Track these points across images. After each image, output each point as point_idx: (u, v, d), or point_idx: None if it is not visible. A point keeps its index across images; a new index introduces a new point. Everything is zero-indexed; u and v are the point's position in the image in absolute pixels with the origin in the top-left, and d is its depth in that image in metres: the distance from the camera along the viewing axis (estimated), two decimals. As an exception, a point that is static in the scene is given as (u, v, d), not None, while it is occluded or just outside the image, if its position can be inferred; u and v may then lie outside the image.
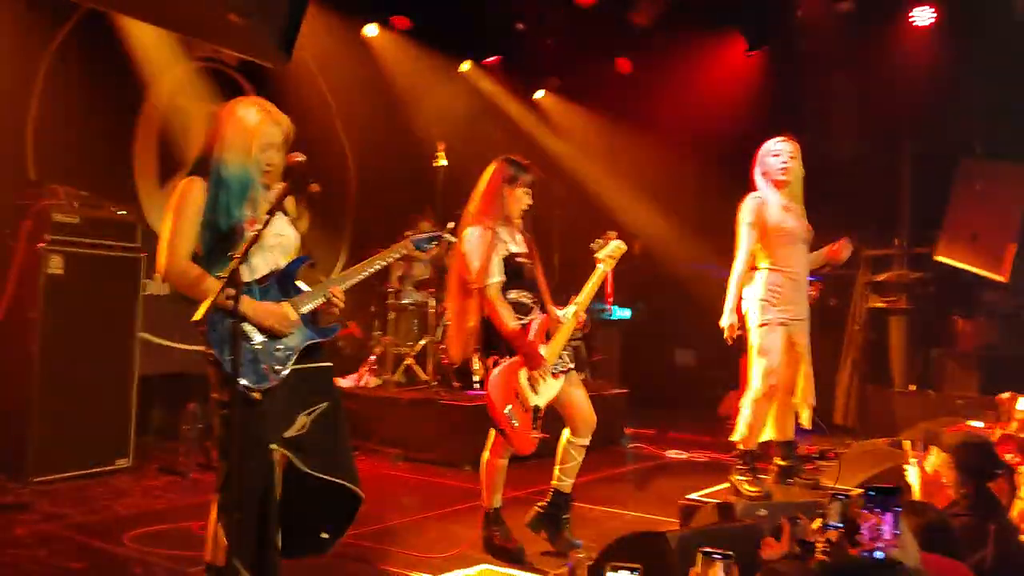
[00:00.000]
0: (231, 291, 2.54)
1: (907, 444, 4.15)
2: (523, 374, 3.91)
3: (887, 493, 2.30)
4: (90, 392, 5.23)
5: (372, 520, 4.62)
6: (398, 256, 3.32)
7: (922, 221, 8.01)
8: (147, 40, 6.50)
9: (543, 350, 3.97)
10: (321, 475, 2.95)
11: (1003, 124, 7.15)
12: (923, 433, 3.75)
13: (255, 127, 2.92)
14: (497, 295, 3.92)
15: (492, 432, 4.01)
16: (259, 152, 2.92)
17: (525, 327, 3.96)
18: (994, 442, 3.81)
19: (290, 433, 2.88)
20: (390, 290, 7.40)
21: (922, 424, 5.97)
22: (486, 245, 3.92)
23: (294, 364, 2.91)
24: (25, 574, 3.54)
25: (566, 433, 4.16)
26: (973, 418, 5.54)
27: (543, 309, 4.09)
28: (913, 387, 7.67)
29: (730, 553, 2.10)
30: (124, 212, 5.55)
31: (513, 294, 4.00)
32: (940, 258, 7.64)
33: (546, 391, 3.98)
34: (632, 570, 2.16)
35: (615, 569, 2.18)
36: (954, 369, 7.65)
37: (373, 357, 7.32)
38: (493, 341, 3.95)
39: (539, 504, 4.18)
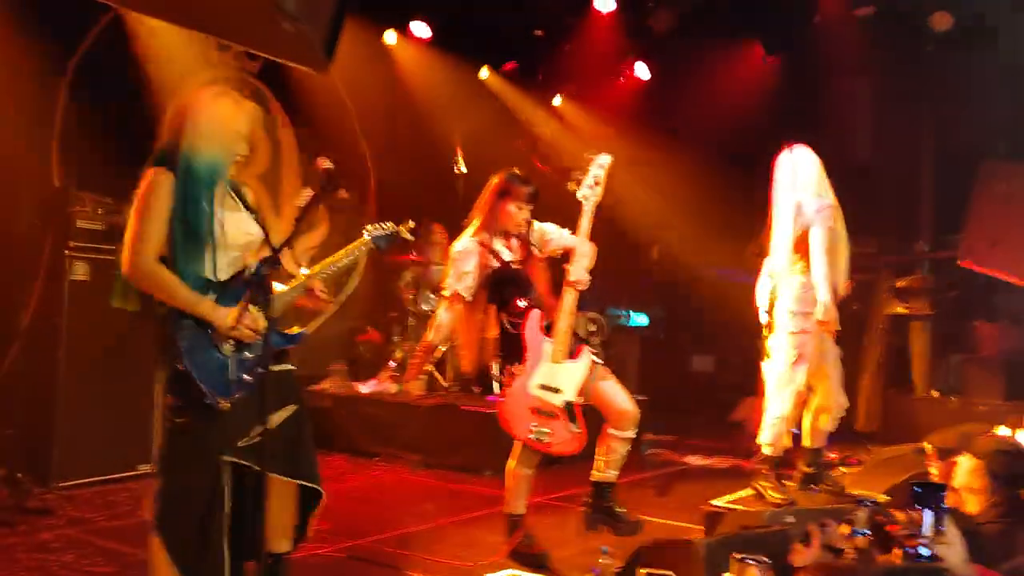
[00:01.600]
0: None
1: (928, 447, 4.13)
2: (532, 385, 3.83)
3: (932, 489, 2.27)
4: (113, 398, 5.25)
5: (393, 526, 4.63)
6: (355, 254, 3.24)
7: (944, 225, 7.95)
8: (170, 49, 6.55)
9: (546, 342, 3.88)
10: (288, 478, 2.89)
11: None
12: (956, 438, 3.71)
13: (229, 117, 2.84)
14: (450, 309, 3.93)
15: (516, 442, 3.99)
16: (232, 143, 2.84)
17: (522, 321, 3.91)
18: None
19: (248, 439, 2.77)
20: (409, 296, 7.41)
21: (948, 429, 5.91)
22: (468, 256, 3.94)
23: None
24: (53, 579, 3.56)
25: (607, 427, 4.05)
26: (997, 424, 5.49)
27: (540, 306, 4.01)
28: (935, 393, 7.60)
29: (765, 559, 2.09)
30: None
31: (521, 303, 3.95)
32: (963, 263, 7.57)
33: (567, 381, 3.84)
34: (664, 576, 2.15)
35: None
36: (977, 375, 7.57)
37: (393, 363, 7.32)
38: (511, 351, 3.92)
39: (584, 502, 4.13)
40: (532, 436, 3.78)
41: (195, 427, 2.74)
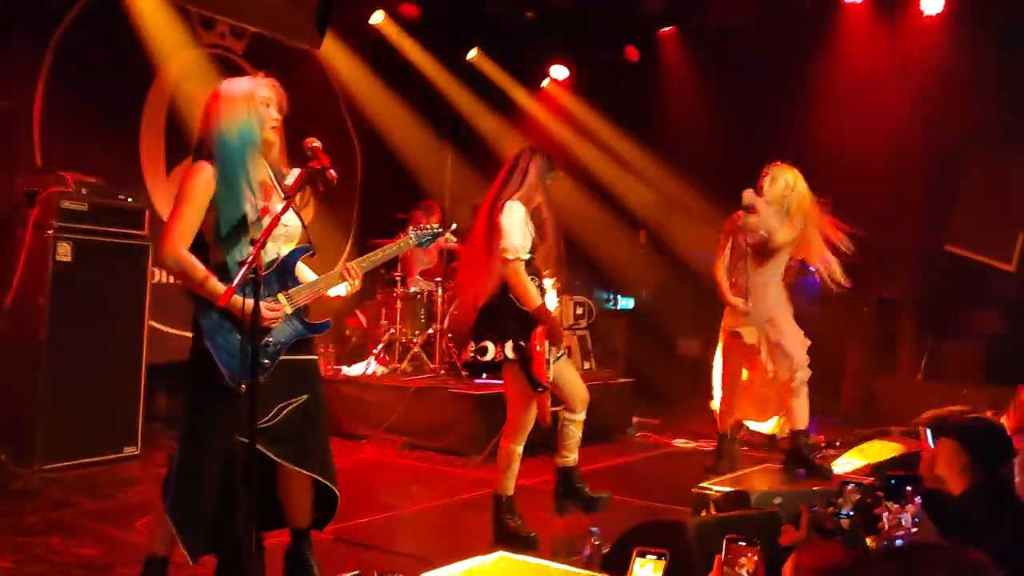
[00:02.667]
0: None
1: (924, 432, 4.13)
2: (547, 345, 3.95)
3: (907, 482, 2.28)
4: (98, 380, 5.22)
5: (380, 508, 4.63)
6: (400, 251, 3.35)
7: (932, 210, 7.98)
8: (155, 26, 6.47)
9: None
10: (292, 465, 2.94)
11: (1016, 112, 7.12)
12: (929, 421, 3.72)
13: (247, 90, 2.89)
14: (523, 270, 3.93)
15: (509, 415, 4.05)
16: (260, 107, 2.88)
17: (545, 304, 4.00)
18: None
19: (263, 423, 2.83)
20: (396, 278, 7.39)
21: (929, 412, 5.96)
22: (524, 223, 3.95)
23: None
24: (40, 560, 3.54)
25: (562, 412, 4.24)
26: (980, 408, 5.53)
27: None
28: (919, 376, 7.66)
29: (755, 540, 2.09)
30: (131, 199, 5.52)
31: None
32: (950, 248, 7.62)
33: (554, 368, 4.07)
34: (659, 555, 2.15)
35: (643, 555, 2.18)
36: (961, 359, 7.64)
37: (380, 346, 7.31)
38: (509, 324, 3.93)
39: (554, 490, 4.27)
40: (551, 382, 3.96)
41: (212, 406, 2.80)
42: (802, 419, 4.89)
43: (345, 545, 3.87)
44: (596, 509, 4.19)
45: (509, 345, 3.89)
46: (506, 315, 3.93)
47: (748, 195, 4.88)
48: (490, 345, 3.95)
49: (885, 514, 2.50)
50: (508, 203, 3.94)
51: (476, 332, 3.98)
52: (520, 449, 4.06)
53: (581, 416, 4.22)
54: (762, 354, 5.00)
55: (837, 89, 8.05)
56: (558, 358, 4.11)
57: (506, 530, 4.03)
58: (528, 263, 4.02)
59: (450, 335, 7.05)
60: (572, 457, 4.23)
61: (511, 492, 4.08)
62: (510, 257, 3.91)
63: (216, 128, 2.83)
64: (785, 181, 4.97)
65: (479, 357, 3.95)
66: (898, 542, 2.38)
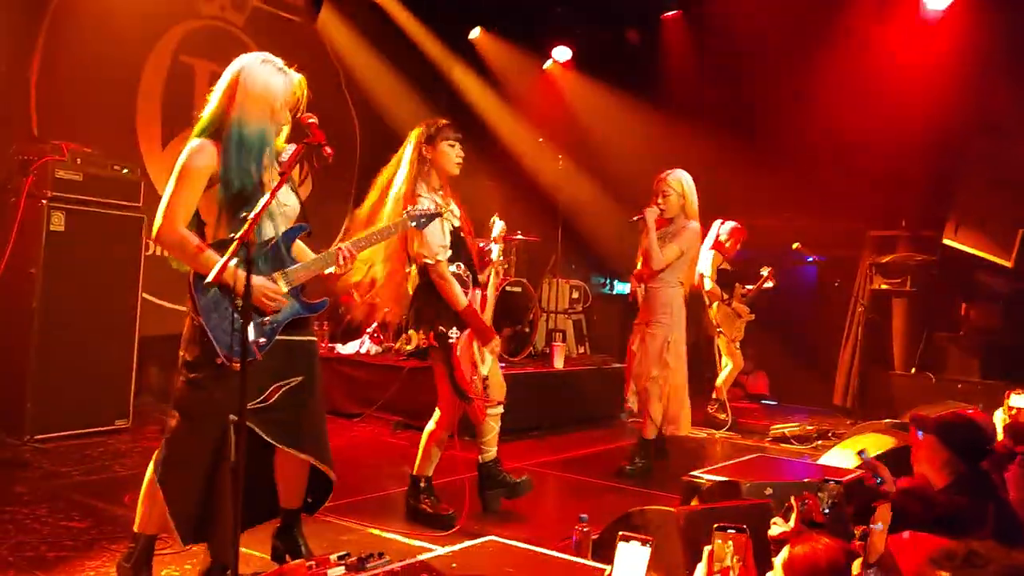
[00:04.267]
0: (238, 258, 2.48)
1: (912, 427, 4.13)
2: (475, 345, 3.99)
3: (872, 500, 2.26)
4: (90, 351, 5.20)
5: (372, 487, 4.63)
6: (395, 232, 3.33)
7: (930, 203, 7.95)
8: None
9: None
10: (285, 447, 2.93)
11: (1018, 105, 7.07)
12: (910, 418, 3.72)
13: (278, 88, 2.84)
14: (447, 272, 3.87)
15: (440, 403, 4.07)
16: (280, 110, 2.86)
17: (472, 305, 3.96)
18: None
19: (257, 403, 2.83)
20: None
21: (922, 407, 5.98)
22: (437, 220, 3.83)
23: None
24: (27, 531, 3.52)
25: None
26: (973, 403, 5.54)
27: (475, 282, 4.08)
28: (913, 370, 7.67)
29: (744, 527, 2.08)
30: (127, 170, 5.47)
31: (455, 268, 3.94)
32: (948, 241, 7.59)
33: (487, 361, 4.09)
34: (644, 542, 2.14)
35: (626, 540, 2.16)
36: (955, 353, 7.64)
37: (375, 325, 7.29)
38: (442, 314, 3.90)
39: (478, 488, 4.27)
40: (474, 382, 3.95)
41: (206, 384, 2.78)
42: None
43: (335, 524, 3.87)
44: (520, 494, 4.26)
45: (438, 332, 3.89)
46: (437, 304, 3.91)
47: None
48: (413, 334, 3.95)
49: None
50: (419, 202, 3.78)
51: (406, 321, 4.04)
52: (446, 435, 4.08)
53: (499, 409, 4.26)
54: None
55: (839, 80, 7.99)
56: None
57: (422, 510, 4.04)
58: (456, 252, 3.93)
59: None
60: (491, 452, 4.28)
61: (430, 473, 4.11)
62: (429, 261, 3.85)
63: (235, 117, 2.78)
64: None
65: (404, 346, 4.00)
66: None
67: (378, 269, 3.90)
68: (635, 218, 5.25)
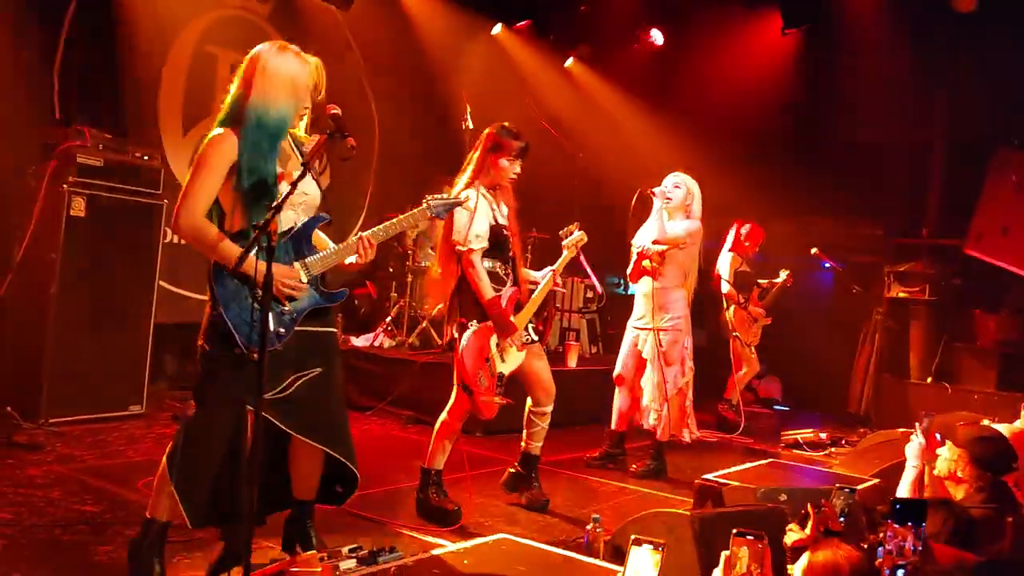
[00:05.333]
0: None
1: (917, 427, 4.08)
2: (494, 341, 4.01)
3: (913, 507, 2.24)
4: (106, 337, 5.22)
5: (384, 481, 4.62)
6: (415, 222, 3.29)
7: (952, 211, 7.88)
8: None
9: (513, 321, 4.07)
10: (298, 435, 2.91)
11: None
12: (937, 427, 3.69)
13: (296, 73, 2.84)
14: (478, 261, 3.98)
15: (453, 394, 4.07)
16: (300, 96, 2.85)
17: (498, 297, 4.03)
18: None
19: (275, 393, 2.82)
20: (409, 251, 7.35)
21: (937, 417, 5.92)
22: (477, 211, 3.97)
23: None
24: (39, 514, 3.53)
25: (528, 403, 4.33)
26: (988, 415, 5.48)
27: (515, 281, 4.16)
28: (930, 379, 7.61)
29: (762, 534, 2.06)
30: (148, 157, 5.49)
31: (488, 263, 4.06)
32: (969, 251, 7.52)
33: (512, 360, 4.09)
34: (657, 546, 2.12)
35: (639, 544, 2.15)
36: (972, 364, 7.58)
37: (389, 319, 7.29)
38: (467, 306, 4.02)
39: (511, 467, 4.42)
40: (477, 377, 3.94)
41: (224, 373, 2.78)
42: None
43: (345, 517, 3.87)
44: (535, 510, 4.30)
45: (460, 324, 4.02)
46: (468, 297, 4.02)
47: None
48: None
49: (886, 535, 2.48)
50: (462, 194, 3.94)
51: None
52: (459, 427, 4.09)
53: (546, 409, 4.30)
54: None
55: (861, 86, 7.94)
56: (533, 341, 4.18)
57: (429, 503, 4.04)
58: (498, 249, 4.06)
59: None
60: (536, 446, 4.35)
61: (440, 467, 4.11)
62: (460, 248, 3.96)
63: (254, 103, 2.78)
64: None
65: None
66: (900, 572, 2.34)
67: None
68: (653, 190, 5.21)
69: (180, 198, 2.79)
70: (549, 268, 4.35)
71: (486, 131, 4.16)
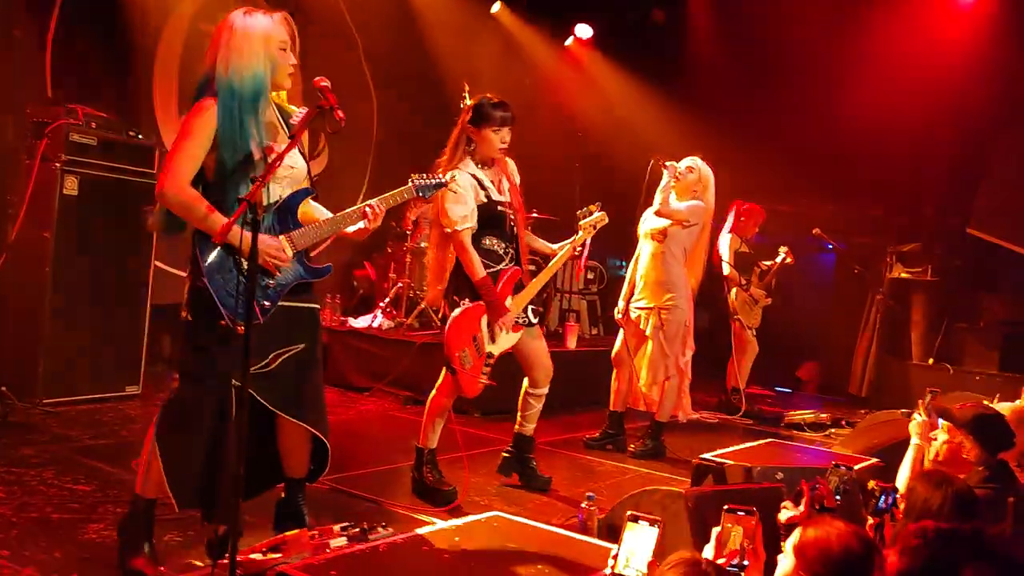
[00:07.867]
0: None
1: (920, 405, 4.05)
2: (484, 320, 3.94)
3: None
4: (101, 317, 5.18)
5: (379, 460, 4.61)
6: (399, 200, 3.18)
7: (955, 192, 7.82)
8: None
9: (509, 302, 4.00)
10: (284, 414, 2.90)
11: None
12: (934, 409, 3.66)
13: (266, 30, 2.77)
14: (467, 240, 3.89)
15: (443, 371, 4.02)
16: (276, 52, 2.78)
17: (496, 276, 3.96)
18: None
19: (258, 368, 2.79)
20: (407, 232, 7.31)
21: (939, 398, 5.89)
22: (463, 190, 3.88)
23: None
24: (33, 493, 3.52)
25: (525, 383, 4.29)
26: (990, 396, 5.45)
27: (517, 260, 4.08)
28: (931, 360, 7.57)
29: (753, 509, 2.03)
30: (142, 136, 5.44)
31: (487, 241, 3.99)
32: (972, 232, 7.46)
33: (503, 341, 4.02)
34: (653, 523, 2.09)
35: (635, 520, 2.11)
36: (974, 344, 7.53)
37: (387, 299, 7.26)
38: (461, 285, 3.96)
39: (505, 449, 4.40)
40: (458, 355, 3.86)
41: (208, 346, 2.75)
42: None
43: (339, 496, 3.85)
44: (534, 488, 4.29)
45: (452, 301, 3.97)
46: (463, 276, 3.95)
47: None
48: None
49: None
50: (448, 174, 3.81)
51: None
52: (450, 403, 4.05)
53: (542, 390, 4.26)
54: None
55: (864, 66, 7.85)
56: (531, 324, 4.12)
57: (424, 483, 4.02)
58: (495, 226, 3.98)
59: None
60: (529, 427, 4.32)
61: (434, 445, 4.08)
62: (447, 229, 3.89)
63: (226, 67, 2.72)
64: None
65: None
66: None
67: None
68: (665, 163, 5.12)
69: (164, 167, 2.74)
70: (564, 242, 4.26)
71: (463, 104, 4.06)
